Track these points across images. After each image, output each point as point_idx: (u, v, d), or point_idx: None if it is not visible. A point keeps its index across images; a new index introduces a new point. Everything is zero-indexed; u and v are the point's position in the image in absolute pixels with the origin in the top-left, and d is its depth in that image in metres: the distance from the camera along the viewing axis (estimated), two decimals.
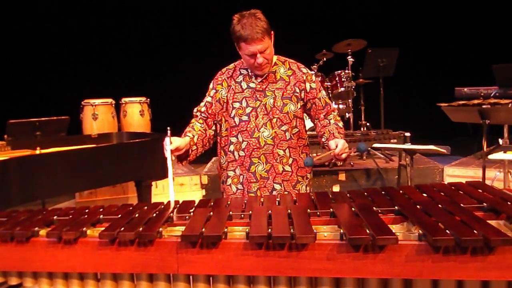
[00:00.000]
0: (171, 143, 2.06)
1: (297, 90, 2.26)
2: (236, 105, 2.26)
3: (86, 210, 1.83)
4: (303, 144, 2.35)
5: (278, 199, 1.85)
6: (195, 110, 2.38)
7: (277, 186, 2.27)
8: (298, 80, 2.26)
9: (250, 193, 2.27)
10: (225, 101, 2.29)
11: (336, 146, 2.10)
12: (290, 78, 2.26)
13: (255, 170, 2.26)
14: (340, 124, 2.33)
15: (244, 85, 2.28)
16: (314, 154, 2.21)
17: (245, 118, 2.25)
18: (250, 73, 2.28)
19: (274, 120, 2.23)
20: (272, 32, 2.18)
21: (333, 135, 2.23)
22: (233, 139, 2.29)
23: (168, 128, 2.07)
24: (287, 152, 2.27)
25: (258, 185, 2.27)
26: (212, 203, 1.84)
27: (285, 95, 2.24)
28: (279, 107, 2.23)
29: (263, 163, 2.25)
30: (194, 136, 2.25)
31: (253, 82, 2.27)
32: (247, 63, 2.22)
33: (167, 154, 2.05)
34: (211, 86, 2.36)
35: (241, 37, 2.09)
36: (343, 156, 2.12)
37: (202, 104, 2.36)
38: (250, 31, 2.06)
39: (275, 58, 2.30)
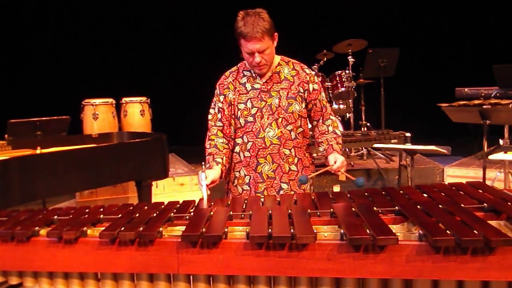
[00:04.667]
0: (206, 178, 2.05)
1: (301, 90, 2.27)
2: (241, 106, 2.27)
3: (87, 210, 1.83)
4: (307, 144, 2.36)
5: (279, 199, 1.85)
6: (210, 123, 2.35)
7: (284, 186, 2.28)
8: (302, 81, 2.27)
9: (258, 193, 2.28)
10: (233, 103, 2.29)
11: (335, 163, 2.17)
12: (294, 78, 2.27)
13: (262, 170, 2.27)
14: (338, 131, 2.35)
15: (248, 86, 2.28)
16: (311, 174, 2.30)
17: (250, 119, 2.26)
18: (253, 75, 2.29)
19: (280, 120, 2.24)
20: (276, 34, 2.18)
21: (331, 148, 2.27)
22: (239, 140, 2.30)
23: (203, 163, 2.08)
24: (292, 151, 2.28)
25: (265, 185, 2.28)
26: (212, 203, 1.84)
27: (290, 95, 2.25)
28: (284, 107, 2.24)
29: (269, 163, 2.26)
30: (223, 158, 2.26)
31: (257, 83, 2.27)
32: (247, 61, 2.24)
33: (203, 189, 1.99)
34: (217, 91, 2.34)
35: (241, 34, 2.11)
36: (340, 172, 2.19)
37: (212, 112, 2.34)
38: (251, 29, 2.07)
39: (278, 58, 2.31)
